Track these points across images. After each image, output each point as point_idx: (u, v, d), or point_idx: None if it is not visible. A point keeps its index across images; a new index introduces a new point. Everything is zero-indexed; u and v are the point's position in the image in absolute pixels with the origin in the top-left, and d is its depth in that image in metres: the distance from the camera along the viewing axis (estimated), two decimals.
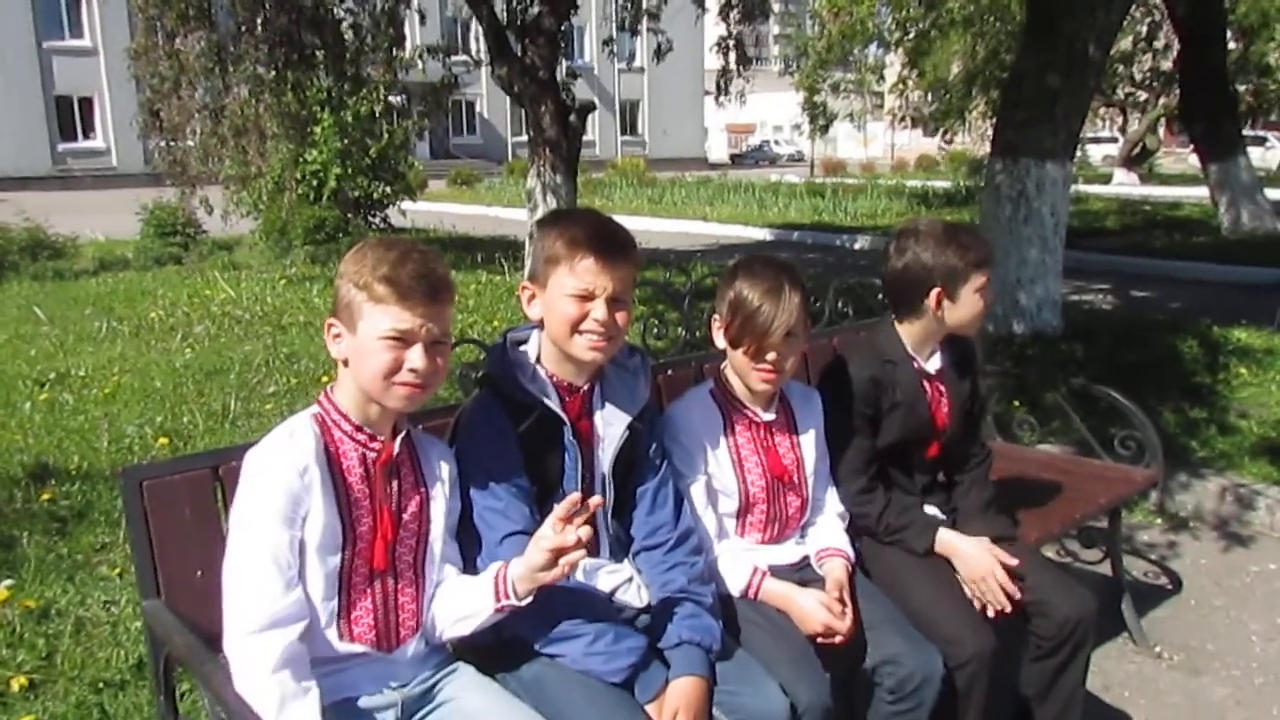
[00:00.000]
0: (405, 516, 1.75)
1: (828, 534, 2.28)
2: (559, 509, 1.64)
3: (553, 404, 1.90)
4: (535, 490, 1.90)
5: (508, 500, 1.86)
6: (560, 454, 1.93)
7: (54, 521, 3.79)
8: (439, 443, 1.88)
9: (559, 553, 1.62)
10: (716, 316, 2.21)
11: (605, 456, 1.98)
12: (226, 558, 1.63)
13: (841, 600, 2.07)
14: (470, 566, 1.86)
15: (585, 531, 1.62)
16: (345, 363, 1.70)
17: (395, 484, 1.74)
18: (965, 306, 2.41)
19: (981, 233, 6.13)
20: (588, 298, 1.85)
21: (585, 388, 1.96)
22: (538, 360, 1.95)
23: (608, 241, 1.87)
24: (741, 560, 2.15)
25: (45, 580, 3.31)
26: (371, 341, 1.63)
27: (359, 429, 1.70)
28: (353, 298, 1.64)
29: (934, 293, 2.38)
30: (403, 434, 1.75)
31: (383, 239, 1.76)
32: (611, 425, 1.98)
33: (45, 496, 3.96)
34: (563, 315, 1.86)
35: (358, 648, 1.71)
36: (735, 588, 2.13)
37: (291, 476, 1.61)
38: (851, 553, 2.25)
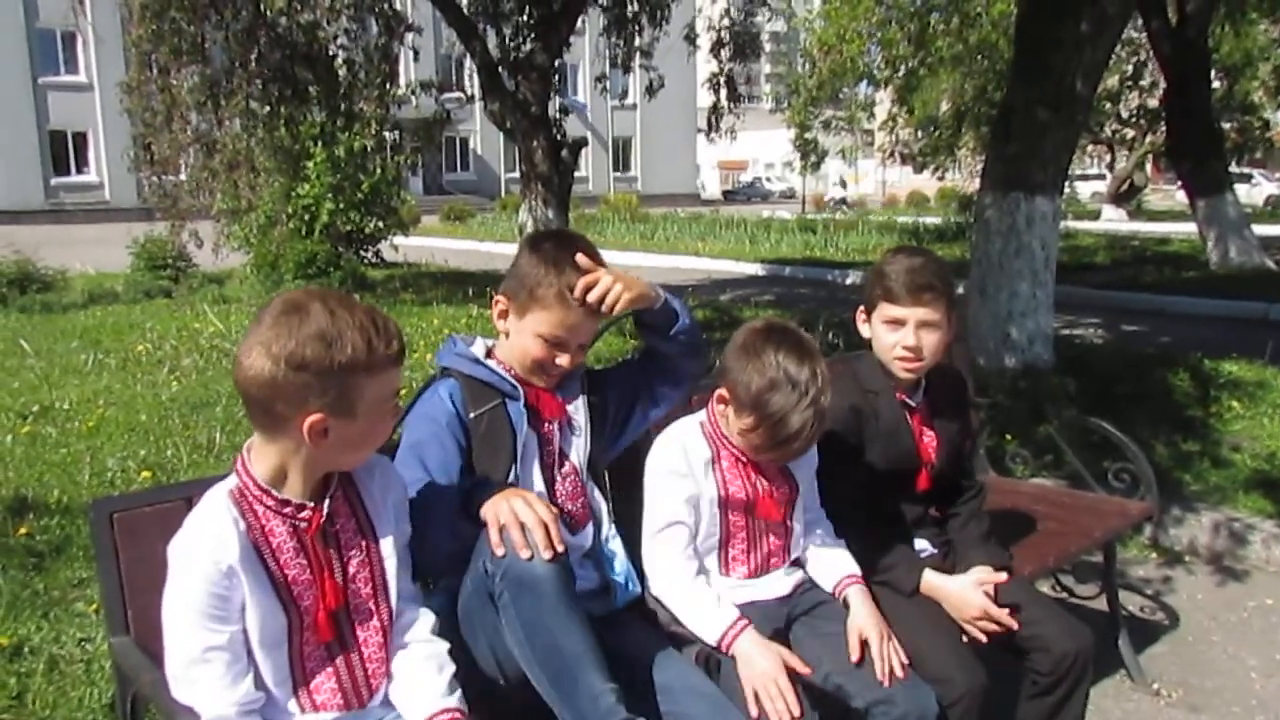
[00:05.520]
0: (352, 568, 1.64)
1: (836, 561, 2.22)
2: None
3: (506, 376, 1.96)
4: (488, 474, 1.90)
5: (435, 477, 1.85)
6: (513, 432, 1.94)
7: (30, 556, 3.70)
8: (380, 463, 1.73)
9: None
10: (726, 395, 2.03)
11: (578, 443, 2.05)
12: (165, 658, 1.54)
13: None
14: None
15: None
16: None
17: (334, 546, 1.63)
18: (876, 337, 2.38)
19: (975, 266, 6.28)
20: (560, 345, 1.93)
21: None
22: (488, 354, 2.01)
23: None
24: (723, 605, 2.00)
25: (19, 617, 3.23)
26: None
27: (284, 503, 1.57)
28: None
29: (860, 314, 2.42)
30: (332, 493, 1.62)
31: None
32: (578, 412, 2.05)
33: (22, 531, 3.88)
34: (531, 352, 1.95)
35: (325, 716, 1.63)
36: (710, 636, 1.97)
37: (215, 578, 1.51)
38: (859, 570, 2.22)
